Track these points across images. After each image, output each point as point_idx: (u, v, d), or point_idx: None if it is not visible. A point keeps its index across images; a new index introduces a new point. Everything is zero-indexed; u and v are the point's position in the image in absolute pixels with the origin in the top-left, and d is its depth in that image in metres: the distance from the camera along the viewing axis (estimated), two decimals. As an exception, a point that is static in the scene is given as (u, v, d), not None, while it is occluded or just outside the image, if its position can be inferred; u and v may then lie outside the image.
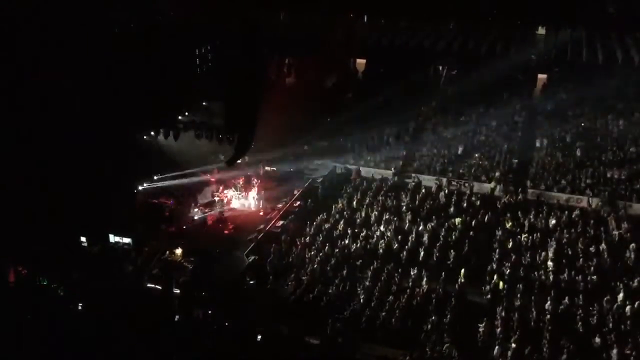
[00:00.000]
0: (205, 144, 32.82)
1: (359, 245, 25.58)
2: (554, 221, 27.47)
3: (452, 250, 24.86)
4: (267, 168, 33.92)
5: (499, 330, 20.44)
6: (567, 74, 39.10)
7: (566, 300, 21.53)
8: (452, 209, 28.80)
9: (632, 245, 24.86)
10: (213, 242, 26.75)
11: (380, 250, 25.32)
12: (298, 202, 30.36)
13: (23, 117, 22.84)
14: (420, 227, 26.90)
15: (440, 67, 43.44)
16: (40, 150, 23.14)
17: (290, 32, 43.09)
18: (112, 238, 25.85)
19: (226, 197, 30.36)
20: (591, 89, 35.89)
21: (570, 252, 24.84)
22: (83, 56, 24.37)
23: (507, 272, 23.42)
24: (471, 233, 26.46)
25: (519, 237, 26.18)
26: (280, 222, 28.49)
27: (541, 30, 43.16)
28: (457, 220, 27.51)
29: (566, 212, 28.26)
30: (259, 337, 19.76)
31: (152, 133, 31.96)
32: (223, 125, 31.39)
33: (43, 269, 23.02)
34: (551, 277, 23.24)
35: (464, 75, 39.99)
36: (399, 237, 26.05)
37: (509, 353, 19.35)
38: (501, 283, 22.72)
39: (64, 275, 22.88)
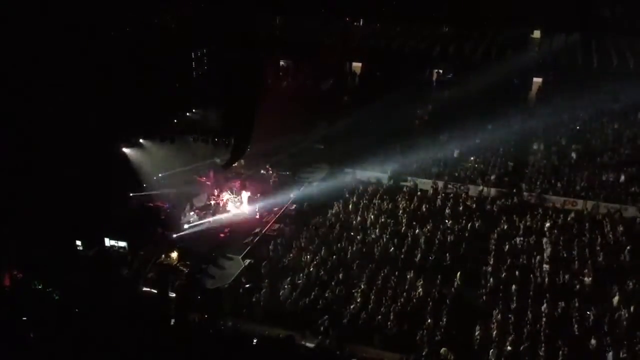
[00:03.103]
0: (201, 147, 32.73)
1: (355, 248, 25.55)
2: (549, 224, 27.53)
3: (448, 253, 24.88)
4: (263, 171, 33.89)
5: (495, 332, 20.43)
6: (563, 78, 39.28)
7: (562, 302, 21.54)
8: (448, 212, 28.84)
9: (628, 247, 24.95)
10: (209, 246, 26.68)
11: (377, 254, 25.30)
12: (294, 206, 30.33)
13: (18, 121, 22.80)
14: (417, 231, 26.93)
15: (436, 71, 43.63)
16: (36, 154, 23.08)
17: (287, 35, 43.26)
18: (108, 242, 25.77)
19: (222, 200, 30.30)
20: (586, 92, 36.04)
21: (565, 255, 24.91)
22: (79, 60, 24.38)
23: (503, 275, 23.46)
24: (467, 235, 26.47)
25: (514, 239, 26.21)
26: (276, 226, 28.47)
27: (536, 34, 43.43)
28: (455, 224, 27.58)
29: (562, 215, 28.34)
30: (255, 340, 19.67)
31: (148, 137, 31.84)
32: (219, 129, 31.36)
33: (38, 273, 22.90)
34: (547, 280, 23.29)
35: (460, 78, 40.14)
36: (395, 240, 26.02)
37: (505, 356, 19.34)
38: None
39: (59, 279, 22.77)
